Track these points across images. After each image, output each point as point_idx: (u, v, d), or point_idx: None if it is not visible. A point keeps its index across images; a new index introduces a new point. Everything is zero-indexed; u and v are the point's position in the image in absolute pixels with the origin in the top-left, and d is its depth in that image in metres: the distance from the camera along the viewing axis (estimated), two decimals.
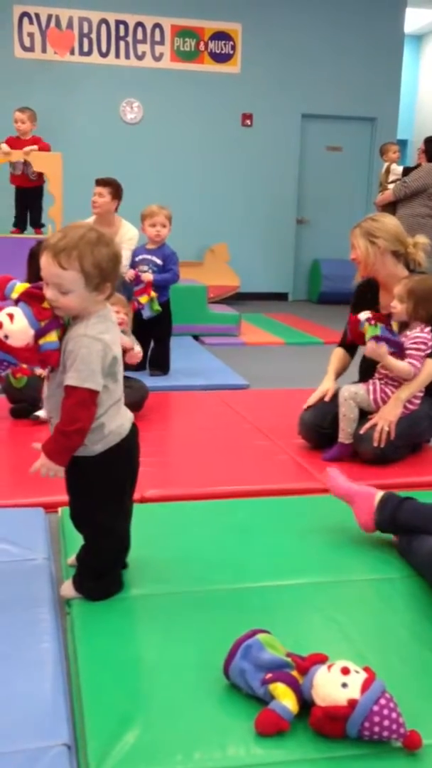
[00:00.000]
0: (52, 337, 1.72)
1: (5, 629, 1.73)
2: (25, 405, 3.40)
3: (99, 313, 1.74)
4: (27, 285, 1.77)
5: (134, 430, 1.88)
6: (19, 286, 1.76)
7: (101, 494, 1.84)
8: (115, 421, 1.80)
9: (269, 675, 1.47)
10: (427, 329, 2.92)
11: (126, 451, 1.85)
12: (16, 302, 1.75)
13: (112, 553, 1.90)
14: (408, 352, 2.89)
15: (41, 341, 1.72)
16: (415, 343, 2.90)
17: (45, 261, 1.67)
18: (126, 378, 2.08)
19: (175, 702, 1.49)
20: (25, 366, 2.20)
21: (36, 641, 1.69)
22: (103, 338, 1.71)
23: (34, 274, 3.36)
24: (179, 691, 1.53)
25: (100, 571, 1.88)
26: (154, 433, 3.31)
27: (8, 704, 1.47)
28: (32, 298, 1.73)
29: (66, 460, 1.75)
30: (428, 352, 2.92)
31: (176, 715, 1.46)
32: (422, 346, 2.90)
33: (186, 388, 4.24)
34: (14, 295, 1.75)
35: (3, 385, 3.49)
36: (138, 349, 3.46)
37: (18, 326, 1.70)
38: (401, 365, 2.87)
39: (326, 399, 3.07)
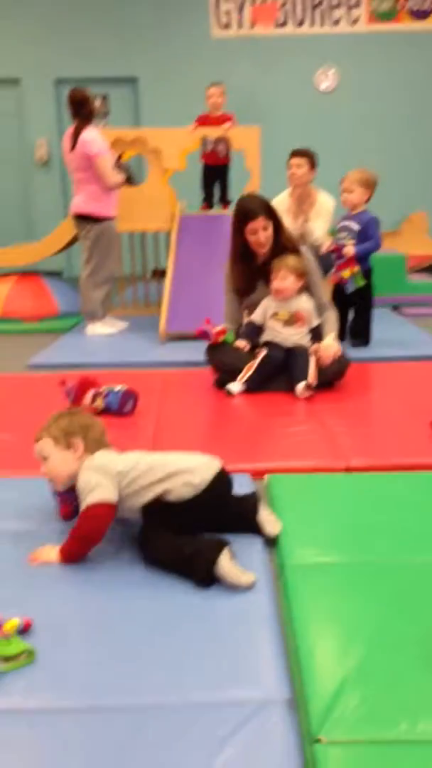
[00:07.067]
0: None
1: (220, 591, 1.79)
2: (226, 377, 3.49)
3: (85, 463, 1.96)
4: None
5: (224, 474, 2.00)
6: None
7: (180, 528, 1.91)
8: (200, 475, 1.93)
9: None
10: None
11: (214, 495, 1.95)
12: None
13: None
14: None
15: None
16: None
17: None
18: None
19: (394, 670, 1.46)
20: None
21: (252, 604, 1.73)
22: (93, 464, 1.93)
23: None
24: (398, 660, 1.50)
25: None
26: (354, 403, 3.26)
27: (231, 660, 1.52)
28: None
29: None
30: None
31: (396, 683, 1.42)
32: None
33: (387, 359, 4.13)
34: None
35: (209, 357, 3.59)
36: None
37: None
38: None
39: None
